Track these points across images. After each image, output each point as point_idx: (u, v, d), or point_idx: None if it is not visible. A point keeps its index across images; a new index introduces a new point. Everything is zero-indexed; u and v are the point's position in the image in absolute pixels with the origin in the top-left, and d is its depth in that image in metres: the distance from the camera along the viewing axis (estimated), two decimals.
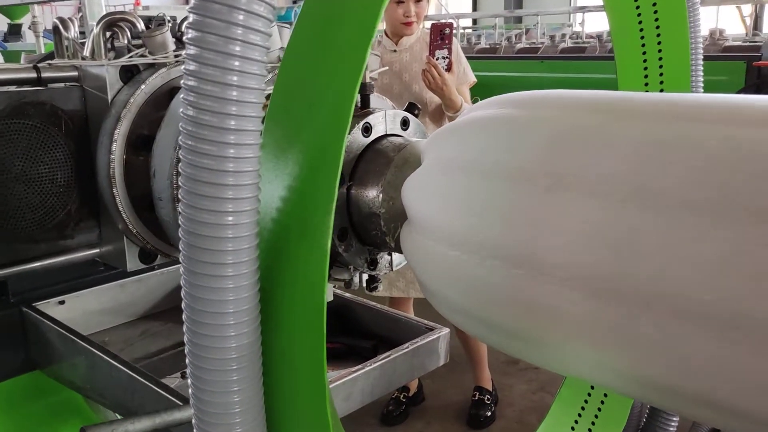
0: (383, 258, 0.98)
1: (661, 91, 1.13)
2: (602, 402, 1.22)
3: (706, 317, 0.47)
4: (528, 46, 7.97)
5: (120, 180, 1.24)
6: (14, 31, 10.23)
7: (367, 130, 0.91)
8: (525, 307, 0.57)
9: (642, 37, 1.11)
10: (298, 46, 0.63)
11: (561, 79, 5.88)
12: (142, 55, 1.27)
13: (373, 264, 0.96)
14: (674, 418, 1.43)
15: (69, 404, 1.53)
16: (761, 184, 0.46)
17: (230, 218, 0.55)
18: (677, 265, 0.48)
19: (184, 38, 0.54)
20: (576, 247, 0.54)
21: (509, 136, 0.62)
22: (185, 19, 1.35)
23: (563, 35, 8.23)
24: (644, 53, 1.12)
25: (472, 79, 3.10)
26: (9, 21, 10.20)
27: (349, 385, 1.11)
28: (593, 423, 1.22)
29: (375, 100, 1.00)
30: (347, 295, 1.40)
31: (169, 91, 1.27)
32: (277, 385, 0.62)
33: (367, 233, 0.90)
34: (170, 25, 1.34)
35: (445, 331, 1.26)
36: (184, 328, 0.59)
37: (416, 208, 0.71)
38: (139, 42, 1.31)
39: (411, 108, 1.00)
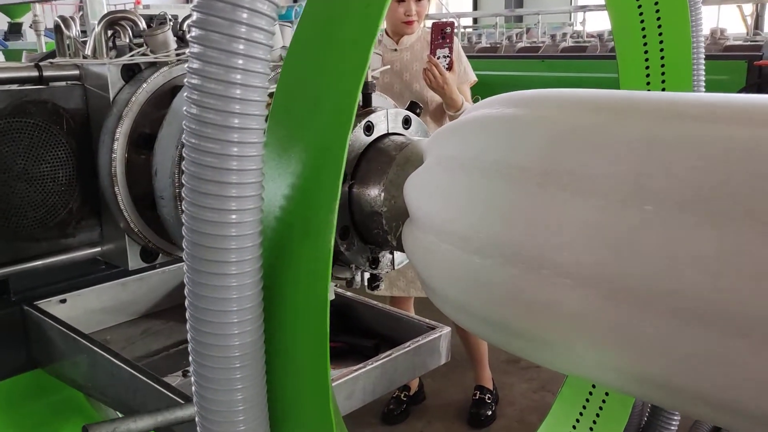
0: (385, 257, 0.98)
1: (663, 90, 1.13)
2: (603, 401, 1.22)
3: (707, 316, 0.47)
4: (529, 45, 7.96)
5: (121, 178, 1.25)
6: (14, 30, 10.23)
7: (369, 128, 0.91)
8: (526, 305, 0.58)
9: (644, 36, 1.11)
10: (302, 45, 0.64)
11: (562, 79, 5.88)
12: (144, 54, 1.27)
13: (374, 263, 0.97)
14: (675, 417, 1.43)
15: (70, 403, 1.54)
16: (762, 184, 0.46)
17: (234, 216, 0.55)
18: (678, 264, 0.48)
19: (187, 36, 0.54)
20: (577, 246, 0.54)
21: (511, 135, 0.62)
22: (186, 17, 1.36)
23: (564, 34, 8.22)
24: (646, 52, 1.12)
25: (473, 78, 3.10)
26: (9, 20, 10.20)
27: (351, 384, 1.11)
28: (594, 422, 1.22)
29: (377, 98, 1.00)
30: (349, 294, 1.40)
31: (171, 90, 1.27)
32: (280, 383, 0.62)
33: (369, 232, 0.90)
34: (171, 23, 1.34)
35: (447, 330, 1.26)
36: (188, 326, 0.59)
37: (418, 206, 0.71)
38: (141, 41, 1.31)
39: (413, 107, 1.00)
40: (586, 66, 6.05)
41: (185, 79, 0.55)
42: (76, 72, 1.31)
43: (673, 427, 1.41)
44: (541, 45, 7.67)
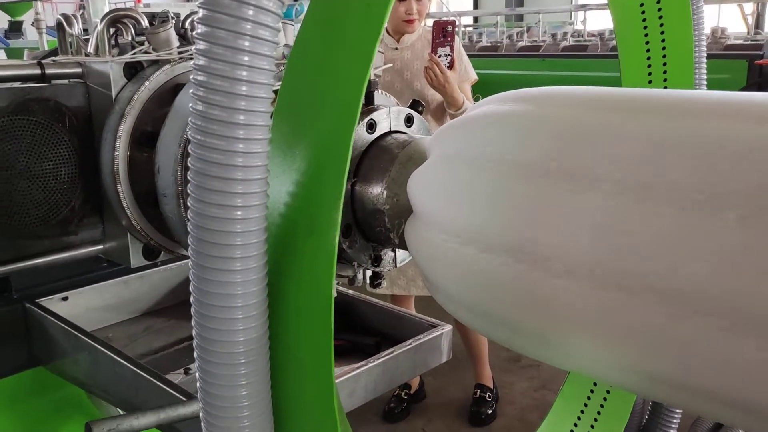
0: (387, 254, 0.98)
1: (665, 88, 1.13)
2: (605, 399, 1.23)
3: (713, 312, 0.47)
4: (529, 44, 7.96)
5: (124, 176, 1.25)
6: (15, 29, 10.25)
7: (371, 126, 0.91)
8: (530, 301, 0.58)
9: (646, 35, 1.11)
10: (306, 43, 0.64)
11: (562, 78, 5.87)
12: (146, 52, 1.27)
13: (377, 260, 0.97)
14: (676, 415, 1.43)
15: (72, 400, 1.54)
16: (761, 182, 0.47)
17: (239, 213, 0.55)
18: (684, 260, 0.48)
19: (193, 33, 0.54)
20: (582, 242, 0.54)
21: (516, 131, 0.62)
22: (189, 15, 1.36)
23: (565, 33, 8.22)
24: (648, 51, 1.12)
25: (474, 76, 3.10)
26: (9, 18, 10.21)
27: (353, 382, 1.11)
28: (596, 420, 1.22)
29: (379, 97, 1.00)
30: (350, 292, 1.40)
31: (173, 88, 1.26)
32: (284, 379, 0.62)
33: (372, 230, 0.90)
34: (174, 21, 1.34)
35: (448, 328, 1.26)
36: (193, 322, 0.59)
37: (422, 202, 0.71)
38: (143, 39, 1.31)
39: (415, 105, 1.00)
40: (586, 65, 6.05)
41: (191, 76, 0.55)
42: (79, 70, 1.31)
43: (674, 425, 1.42)
44: (541, 44, 7.67)
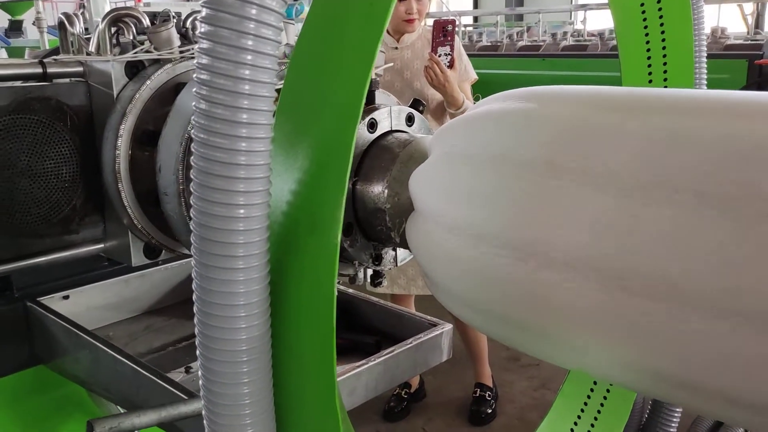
0: (388, 253, 0.99)
1: (665, 88, 1.14)
2: (605, 398, 1.23)
3: (714, 310, 0.47)
4: (529, 43, 7.96)
5: (125, 175, 1.25)
6: (15, 28, 10.25)
7: (372, 126, 0.91)
8: (531, 298, 0.58)
9: (646, 35, 1.11)
10: (309, 41, 0.64)
11: (562, 77, 5.87)
12: (147, 51, 1.28)
13: (377, 259, 0.97)
14: (676, 414, 1.43)
15: (73, 398, 1.54)
16: (762, 178, 0.47)
17: (241, 211, 0.56)
18: (685, 258, 0.49)
19: (197, 32, 0.55)
20: (584, 240, 0.54)
21: (519, 129, 0.62)
22: (190, 15, 1.36)
23: (565, 33, 8.23)
24: (648, 50, 1.12)
25: (474, 76, 3.11)
26: (10, 17, 10.21)
27: (353, 380, 1.11)
28: (596, 418, 1.23)
29: (380, 96, 1.00)
30: (350, 291, 1.41)
31: (175, 87, 1.27)
32: (286, 377, 0.62)
33: (373, 228, 0.90)
34: (175, 21, 1.34)
35: (449, 327, 1.26)
36: (195, 320, 0.59)
37: (424, 199, 0.71)
38: (144, 38, 1.31)
39: (416, 104, 1.01)
40: (586, 65, 6.05)
41: (194, 75, 0.55)
42: (80, 69, 1.31)
43: (673, 424, 1.42)
44: (541, 44, 7.67)
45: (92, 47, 1.33)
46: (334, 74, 0.61)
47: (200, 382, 0.61)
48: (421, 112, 0.99)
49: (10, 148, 1.25)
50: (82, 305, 1.44)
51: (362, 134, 0.90)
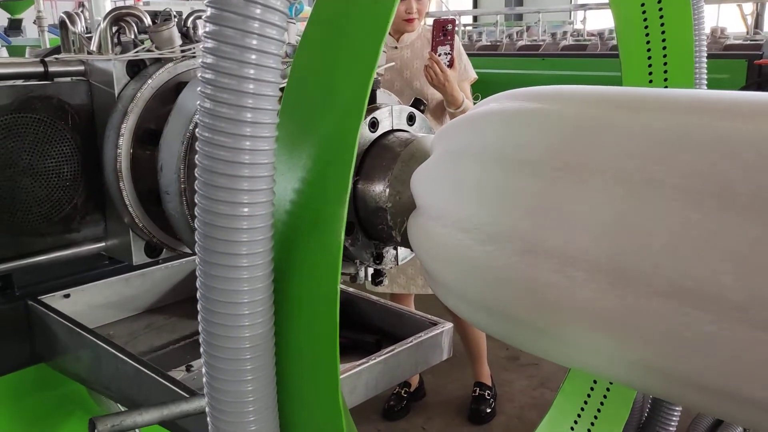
0: (389, 252, 0.99)
1: (666, 87, 1.14)
2: (605, 396, 1.23)
3: (720, 309, 0.48)
4: (529, 43, 7.96)
5: (127, 174, 1.25)
6: (14, 26, 10.24)
7: (373, 125, 0.92)
8: (534, 295, 0.58)
9: (647, 35, 1.12)
10: (312, 41, 0.64)
11: (562, 77, 5.88)
12: (149, 50, 1.28)
13: (378, 258, 0.97)
14: (675, 413, 1.44)
15: (73, 397, 1.54)
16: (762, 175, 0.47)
17: (245, 209, 0.56)
18: (691, 256, 0.49)
19: (201, 31, 0.55)
20: (588, 238, 0.54)
21: (522, 128, 0.62)
22: (191, 14, 1.37)
23: (564, 33, 8.23)
24: (649, 50, 1.13)
25: (473, 75, 3.11)
26: (9, 16, 10.20)
27: (354, 379, 1.12)
28: (596, 417, 1.23)
29: (381, 95, 1.00)
30: (351, 289, 1.41)
31: (176, 86, 1.27)
32: (289, 374, 0.62)
33: (374, 227, 0.90)
34: (176, 20, 1.34)
35: (449, 325, 1.27)
36: (199, 317, 0.59)
37: (426, 196, 0.72)
38: (145, 37, 1.31)
39: (417, 104, 1.01)
40: (586, 64, 6.05)
41: (199, 74, 0.56)
42: (82, 68, 1.32)
43: (673, 423, 1.42)
44: (541, 43, 7.67)
45: (93, 46, 1.33)
46: (337, 73, 0.62)
47: (204, 379, 0.61)
48: (422, 112, 1.00)
49: (12, 146, 1.25)
50: (83, 304, 1.45)
51: (363, 133, 0.90)
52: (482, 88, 2.89)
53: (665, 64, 1.13)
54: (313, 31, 0.64)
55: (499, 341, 0.73)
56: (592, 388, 1.24)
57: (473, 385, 3.36)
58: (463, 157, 0.66)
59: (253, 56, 0.53)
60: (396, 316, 1.35)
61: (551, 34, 8.38)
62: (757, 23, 8.70)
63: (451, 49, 2.83)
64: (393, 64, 2.88)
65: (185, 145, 1.14)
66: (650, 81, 1.15)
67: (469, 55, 3.18)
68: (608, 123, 0.58)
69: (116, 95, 1.27)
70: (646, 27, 1.11)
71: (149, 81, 1.25)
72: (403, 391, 3.38)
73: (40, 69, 1.28)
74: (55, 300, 1.40)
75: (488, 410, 3.30)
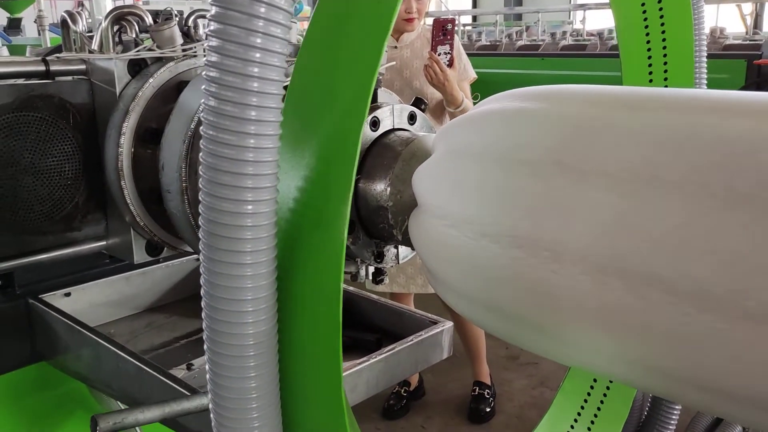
0: (390, 251, 0.99)
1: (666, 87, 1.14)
2: (604, 395, 1.24)
3: (720, 308, 0.48)
4: (529, 43, 7.96)
5: (128, 173, 1.25)
6: (13, 25, 10.23)
7: (374, 124, 0.92)
8: (534, 292, 0.59)
9: (647, 34, 1.12)
10: (315, 39, 0.64)
11: (562, 77, 5.88)
12: (150, 49, 1.28)
13: (379, 257, 0.97)
14: (675, 412, 1.44)
15: (74, 395, 1.55)
16: (761, 172, 0.48)
17: (249, 207, 0.56)
18: (690, 254, 0.49)
19: (206, 30, 0.55)
20: (589, 236, 0.55)
21: (524, 127, 0.63)
22: (192, 13, 1.37)
23: (564, 33, 8.23)
24: (649, 50, 1.13)
25: (473, 75, 3.11)
26: (8, 15, 10.19)
27: (354, 377, 1.12)
28: (595, 415, 1.23)
29: (382, 94, 1.01)
30: (351, 288, 1.41)
31: (177, 85, 1.27)
32: (292, 371, 0.63)
33: (375, 226, 0.91)
34: (177, 19, 1.35)
35: (449, 324, 1.27)
36: (203, 314, 0.60)
37: (428, 194, 0.72)
38: (147, 36, 1.31)
39: (417, 103, 1.01)
40: (585, 64, 6.06)
41: (203, 73, 0.56)
42: (83, 67, 1.32)
43: (672, 421, 1.43)
44: (541, 43, 7.67)
45: (95, 45, 1.34)
46: (340, 72, 0.62)
47: (207, 375, 0.61)
48: (422, 111, 1.00)
49: (14, 145, 1.25)
50: (84, 302, 1.45)
51: (365, 132, 0.90)
52: (482, 88, 2.89)
53: (665, 63, 1.13)
54: (316, 30, 0.64)
55: (499, 340, 0.74)
56: (592, 387, 1.25)
57: (473, 384, 3.36)
58: (464, 156, 0.67)
59: (258, 55, 0.54)
60: (396, 314, 1.35)
61: (551, 33, 8.38)
62: (756, 23, 8.70)
63: (451, 48, 2.83)
64: (394, 63, 2.88)
65: (187, 144, 1.14)
66: (650, 81, 1.15)
67: (468, 54, 3.18)
68: (608, 122, 0.58)
69: (117, 94, 1.27)
70: (647, 27, 1.12)
71: (150, 80, 1.25)
72: (402, 390, 3.38)
73: (42, 68, 1.29)
74: (55, 298, 1.41)
75: (488, 409, 3.30)
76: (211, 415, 0.62)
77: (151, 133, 1.23)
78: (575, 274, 0.55)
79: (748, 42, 6.51)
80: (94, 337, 1.23)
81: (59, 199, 1.32)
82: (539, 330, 0.62)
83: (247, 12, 0.53)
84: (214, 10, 0.54)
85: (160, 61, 1.29)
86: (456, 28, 3.26)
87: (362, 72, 0.59)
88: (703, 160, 0.51)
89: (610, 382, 1.24)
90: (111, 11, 1.32)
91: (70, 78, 1.32)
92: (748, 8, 9.29)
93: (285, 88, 0.59)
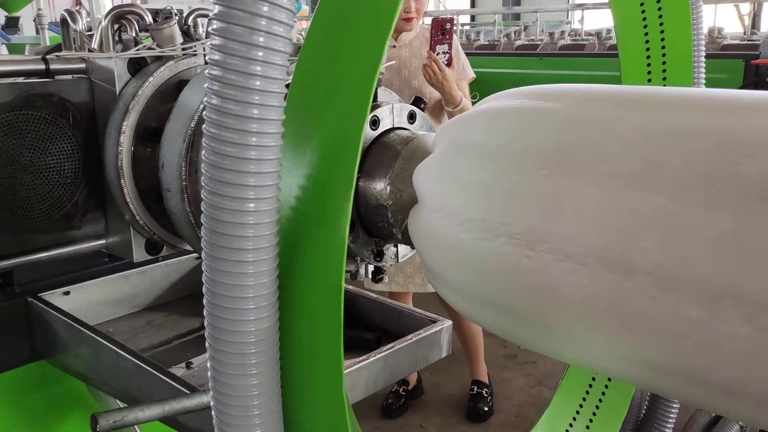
0: (389, 250, 0.99)
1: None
2: (603, 393, 1.24)
3: (715, 301, 0.48)
4: (527, 42, 7.98)
5: (128, 171, 1.25)
6: (11, 24, 10.22)
7: (374, 123, 0.92)
8: (534, 288, 0.59)
9: (646, 34, 1.12)
10: (317, 38, 0.65)
11: (560, 76, 5.89)
12: (150, 48, 1.28)
13: (379, 255, 0.98)
14: (673, 409, 1.45)
15: (73, 394, 1.55)
16: (759, 170, 0.48)
17: (251, 205, 0.56)
18: (688, 248, 0.50)
19: (209, 29, 0.56)
20: (589, 231, 0.55)
21: (524, 124, 0.63)
22: (192, 12, 1.37)
23: (562, 32, 8.24)
24: (648, 50, 1.13)
25: (471, 74, 3.12)
26: (6, 14, 10.18)
27: (354, 376, 1.12)
28: (594, 414, 1.24)
29: (382, 93, 1.01)
30: (350, 287, 1.41)
31: (177, 84, 1.27)
32: (294, 368, 0.63)
33: (374, 225, 0.91)
34: (177, 18, 1.35)
35: (448, 323, 1.27)
36: (205, 312, 0.60)
37: (428, 189, 0.72)
38: (147, 35, 1.32)
39: (417, 102, 1.01)
40: (584, 64, 6.07)
41: (206, 71, 0.56)
42: (83, 65, 1.32)
43: (671, 419, 1.43)
44: (539, 43, 7.69)
45: (95, 44, 1.34)
46: (341, 71, 0.62)
47: (209, 373, 0.61)
48: (422, 110, 1.00)
49: (13, 144, 1.25)
50: (83, 301, 1.45)
51: (365, 131, 0.90)
52: (480, 87, 2.90)
53: (664, 63, 1.14)
54: (318, 29, 0.65)
55: (497, 339, 0.74)
56: (590, 385, 1.25)
57: (471, 383, 3.37)
58: (466, 153, 0.67)
59: (261, 53, 0.54)
60: (395, 313, 1.35)
61: (549, 33, 8.40)
62: (754, 23, 8.72)
63: (450, 48, 2.84)
64: (394, 62, 2.88)
65: (187, 143, 1.14)
66: (649, 80, 1.15)
67: (467, 54, 3.19)
68: (608, 119, 0.58)
69: (117, 93, 1.27)
70: (645, 27, 1.12)
71: (150, 79, 1.25)
72: (401, 389, 3.39)
73: (42, 66, 1.29)
74: (55, 297, 1.41)
75: (486, 408, 3.31)
76: (213, 412, 0.63)
77: (151, 132, 1.24)
78: (574, 269, 0.55)
79: (746, 42, 6.53)
80: (93, 335, 1.23)
81: (59, 198, 1.32)
82: (536, 325, 0.62)
83: (249, 11, 0.53)
84: (217, 8, 0.54)
85: (160, 59, 1.29)
86: (454, 27, 3.26)
87: (364, 71, 0.60)
88: (691, 157, 0.51)
89: (609, 380, 1.24)
90: (111, 10, 1.32)
91: (69, 77, 1.32)
92: (746, 8, 9.31)
93: (287, 86, 0.59)
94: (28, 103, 1.26)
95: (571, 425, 1.24)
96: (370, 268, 1.03)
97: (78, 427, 1.55)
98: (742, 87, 4.83)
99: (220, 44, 0.54)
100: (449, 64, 2.83)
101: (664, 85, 1.16)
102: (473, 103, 2.92)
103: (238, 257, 0.57)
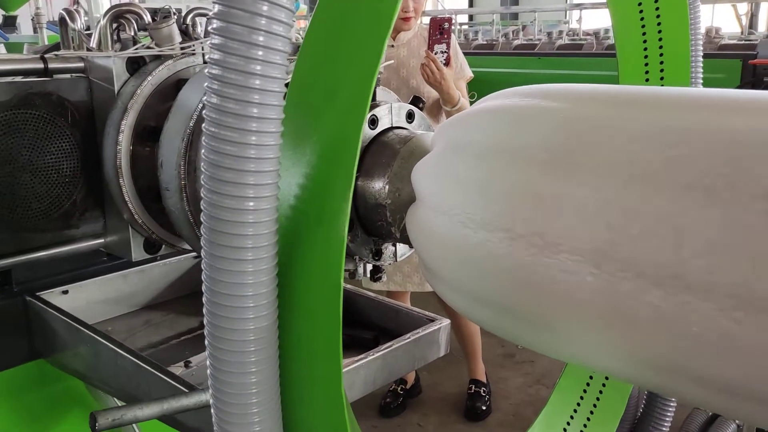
0: (388, 249, 1.00)
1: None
2: (600, 392, 1.24)
3: (713, 298, 0.49)
4: (525, 42, 7.98)
5: (126, 170, 1.26)
6: (9, 23, 10.20)
7: (373, 122, 0.92)
8: (532, 285, 0.59)
9: (644, 33, 1.13)
10: (316, 37, 0.65)
11: (558, 76, 5.90)
12: (148, 47, 1.28)
13: (378, 254, 0.98)
14: (671, 408, 1.45)
15: (72, 393, 1.55)
16: (756, 168, 0.48)
17: (251, 204, 0.57)
18: (682, 246, 0.50)
19: (208, 28, 0.56)
20: (587, 229, 0.55)
21: (523, 122, 0.63)
22: (190, 11, 1.37)
23: (560, 32, 8.25)
24: (645, 49, 1.14)
25: (469, 74, 3.12)
26: (3, 13, 10.17)
27: (352, 375, 1.12)
28: (591, 412, 1.24)
29: (380, 93, 1.01)
30: (348, 286, 1.41)
31: (176, 83, 1.27)
32: (293, 366, 0.63)
33: (373, 224, 0.91)
34: (176, 17, 1.35)
35: (446, 322, 1.27)
36: (204, 310, 0.60)
37: (426, 187, 0.72)
38: (145, 34, 1.32)
39: (416, 101, 1.02)
40: (582, 63, 6.08)
41: (206, 70, 0.56)
42: (81, 65, 1.32)
43: (668, 418, 1.44)
44: (537, 42, 7.70)
45: (93, 43, 1.34)
46: (341, 70, 0.63)
47: (208, 371, 0.62)
48: (421, 109, 1.00)
49: (11, 143, 1.25)
50: (82, 300, 1.45)
51: (363, 130, 0.90)
52: (478, 87, 2.91)
53: (662, 63, 1.14)
54: (317, 29, 0.65)
55: (494, 338, 0.74)
56: (588, 384, 1.25)
57: (469, 382, 3.37)
58: (464, 151, 0.67)
59: (260, 52, 0.54)
60: (393, 312, 1.35)
61: (547, 33, 8.41)
62: (752, 23, 8.74)
63: (448, 47, 2.84)
64: (392, 62, 2.88)
65: (186, 142, 1.14)
66: (647, 80, 1.16)
67: (465, 53, 3.19)
68: (606, 118, 0.59)
69: (116, 92, 1.27)
70: (643, 26, 1.12)
71: (149, 78, 1.25)
72: (399, 388, 3.39)
73: (40, 65, 1.29)
74: (53, 296, 1.41)
75: (484, 407, 3.31)
76: (212, 410, 0.63)
77: (149, 131, 1.24)
78: (572, 267, 0.56)
79: (743, 42, 6.54)
80: (91, 334, 1.23)
81: (57, 197, 1.32)
82: (533, 323, 0.62)
83: (249, 10, 0.54)
84: (216, 8, 0.54)
85: (159, 59, 1.29)
86: (453, 27, 3.26)
87: (363, 71, 0.60)
88: (688, 155, 0.52)
89: (606, 378, 1.24)
90: (109, 9, 1.32)
91: (68, 76, 1.32)
92: (743, 8, 9.33)
93: (287, 85, 0.59)
94: (27, 102, 1.26)
95: (568, 424, 1.25)
96: (369, 267, 1.04)
97: (77, 425, 1.55)
98: (739, 87, 4.83)
99: (219, 43, 0.54)
100: (447, 63, 2.83)
101: (662, 85, 1.16)
102: (471, 103, 2.93)
103: (238, 256, 0.57)
